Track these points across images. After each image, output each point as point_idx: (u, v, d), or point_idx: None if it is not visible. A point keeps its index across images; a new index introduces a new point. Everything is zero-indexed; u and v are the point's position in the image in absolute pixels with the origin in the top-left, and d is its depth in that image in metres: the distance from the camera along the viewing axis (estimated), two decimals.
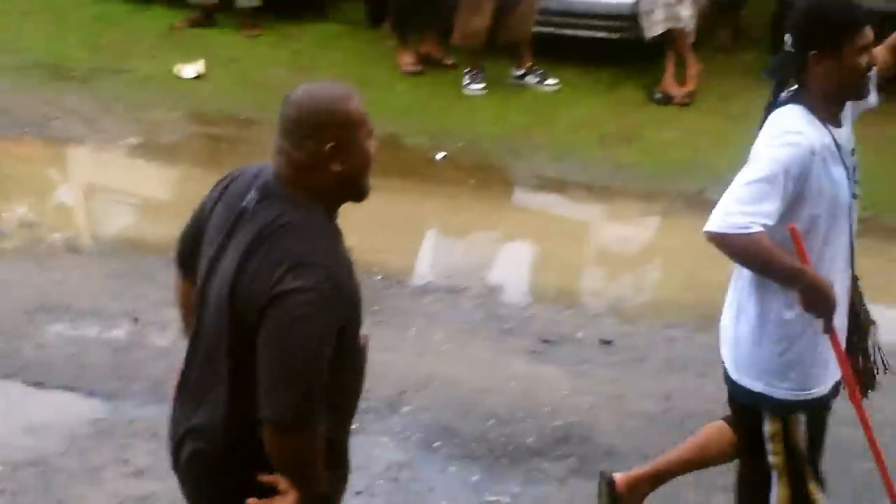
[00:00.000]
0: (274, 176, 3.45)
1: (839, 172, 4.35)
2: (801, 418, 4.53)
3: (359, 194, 3.51)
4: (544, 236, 8.53)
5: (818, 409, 4.57)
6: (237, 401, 3.45)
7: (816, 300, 4.27)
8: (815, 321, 4.34)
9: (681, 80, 10.38)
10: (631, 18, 10.55)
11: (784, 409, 4.52)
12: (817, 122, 4.33)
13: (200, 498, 3.71)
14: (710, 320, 7.05)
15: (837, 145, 4.34)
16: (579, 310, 7.42)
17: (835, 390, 4.62)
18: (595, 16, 10.73)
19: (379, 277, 7.43)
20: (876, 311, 4.77)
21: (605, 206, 9.14)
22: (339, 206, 3.52)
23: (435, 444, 5.94)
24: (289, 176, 3.42)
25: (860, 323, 4.73)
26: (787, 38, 4.39)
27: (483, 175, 9.28)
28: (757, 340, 4.52)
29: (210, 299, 3.50)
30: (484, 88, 10.43)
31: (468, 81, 10.44)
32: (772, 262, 4.25)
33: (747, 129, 9.50)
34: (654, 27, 10.26)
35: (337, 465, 3.61)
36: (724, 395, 6.32)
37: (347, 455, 3.71)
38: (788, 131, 4.34)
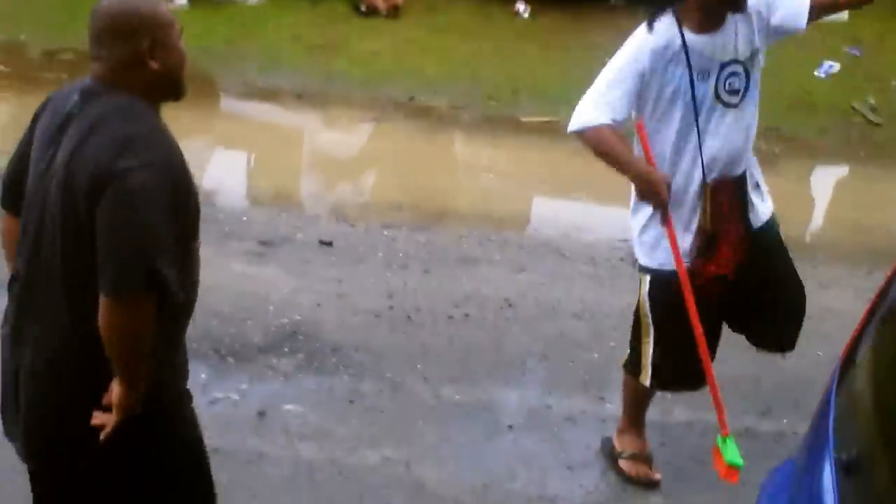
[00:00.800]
0: (94, 80, 3.47)
1: (678, 74, 4.73)
2: (647, 279, 5.00)
3: (178, 92, 3.56)
4: (258, 143, 8.48)
5: (661, 280, 4.94)
6: (77, 309, 3.41)
7: (646, 193, 4.78)
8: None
9: None
10: None
11: (640, 270, 5.04)
12: (674, 27, 4.72)
13: (34, 420, 3.58)
14: (426, 220, 7.21)
15: (686, 49, 4.70)
16: (297, 212, 7.41)
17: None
18: None
19: None
20: None
21: (317, 113, 9.12)
22: (160, 105, 3.54)
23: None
24: (110, 78, 3.44)
25: (706, 233, 4.94)
26: None
27: (192, 86, 8.98)
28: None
29: (44, 206, 3.46)
30: (188, 2, 10.28)
31: None
32: (613, 153, 4.76)
33: (452, 39, 9.83)
34: None
35: (173, 357, 3.65)
36: (447, 290, 6.52)
37: (184, 353, 3.74)
38: (640, 33, 4.77)
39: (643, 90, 4.75)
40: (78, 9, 9.88)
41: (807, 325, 5.85)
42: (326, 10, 10.44)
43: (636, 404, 5.32)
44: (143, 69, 3.44)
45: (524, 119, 8.72)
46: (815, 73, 9.63)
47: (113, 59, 3.43)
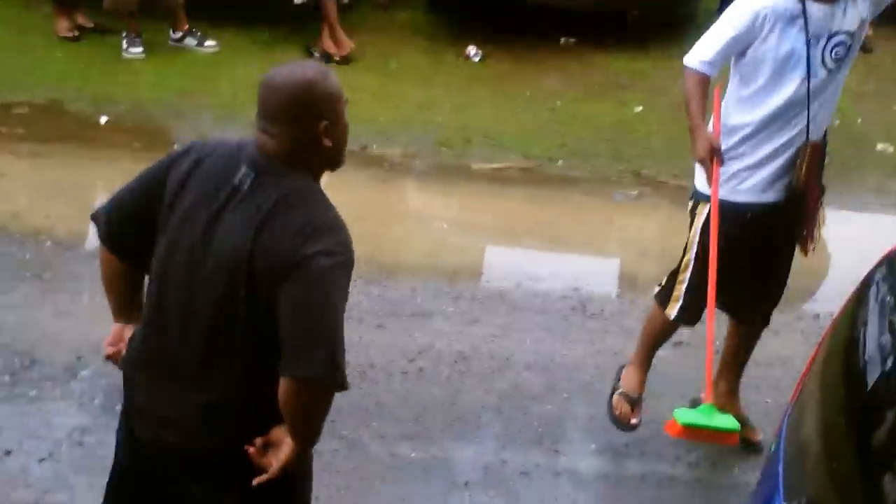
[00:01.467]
0: (264, 154, 3.53)
1: (793, 36, 5.19)
2: (707, 208, 5.38)
3: (338, 164, 3.67)
4: None
5: (721, 210, 5.32)
6: (253, 374, 3.53)
7: (694, 149, 5.27)
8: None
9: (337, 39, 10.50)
10: None
11: (702, 200, 5.44)
12: None
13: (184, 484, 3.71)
14: (380, 273, 7.26)
15: (806, 15, 5.16)
16: None
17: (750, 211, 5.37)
18: None
19: (49, 244, 7.29)
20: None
21: None
22: (321, 176, 3.64)
23: (117, 407, 5.82)
24: (283, 154, 3.51)
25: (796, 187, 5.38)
26: None
27: (147, 138, 9.16)
28: None
29: (198, 278, 3.53)
30: (143, 52, 10.30)
31: (126, 45, 10.28)
32: (688, 100, 5.30)
33: (405, 86, 9.89)
34: None
35: None
36: (401, 344, 6.56)
37: None
38: None
39: (759, 48, 5.20)
40: (32, 62, 9.95)
41: (755, 371, 5.98)
42: (280, 56, 10.45)
43: (652, 341, 5.72)
44: (317, 147, 3.54)
45: (476, 166, 8.82)
46: None
47: (288, 137, 3.51)
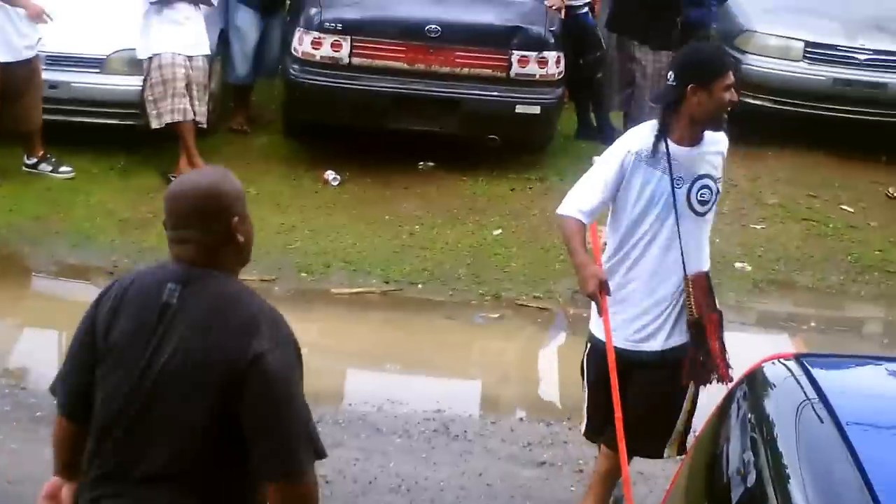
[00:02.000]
0: (184, 264, 3.59)
1: (656, 175, 5.40)
2: (589, 345, 5.77)
3: (247, 259, 3.74)
4: (70, 323, 8.26)
5: (599, 350, 5.60)
6: (213, 478, 3.55)
7: (579, 283, 5.47)
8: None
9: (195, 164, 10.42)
10: (140, 106, 10.51)
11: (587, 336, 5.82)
12: (655, 134, 5.42)
13: None
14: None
15: (668, 155, 5.38)
16: None
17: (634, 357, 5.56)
18: (103, 103, 10.66)
19: None
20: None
21: None
22: (238, 274, 3.72)
23: None
24: (203, 258, 3.59)
25: (694, 321, 5.54)
26: (671, 73, 5.50)
27: (1, 264, 9.03)
28: None
29: (152, 401, 3.54)
30: None
31: None
32: (568, 243, 5.49)
33: (264, 211, 9.87)
34: (160, 118, 10.33)
35: None
36: None
37: None
38: (623, 137, 5.66)
39: (624, 188, 5.41)
40: None
41: (620, 491, 5.99)
42: (137, 183, 10.42)
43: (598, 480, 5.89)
44: (233, 244, 3.61)
45: (336, 291, 8.81)
46: None
47: (205, 239, 3.58)
